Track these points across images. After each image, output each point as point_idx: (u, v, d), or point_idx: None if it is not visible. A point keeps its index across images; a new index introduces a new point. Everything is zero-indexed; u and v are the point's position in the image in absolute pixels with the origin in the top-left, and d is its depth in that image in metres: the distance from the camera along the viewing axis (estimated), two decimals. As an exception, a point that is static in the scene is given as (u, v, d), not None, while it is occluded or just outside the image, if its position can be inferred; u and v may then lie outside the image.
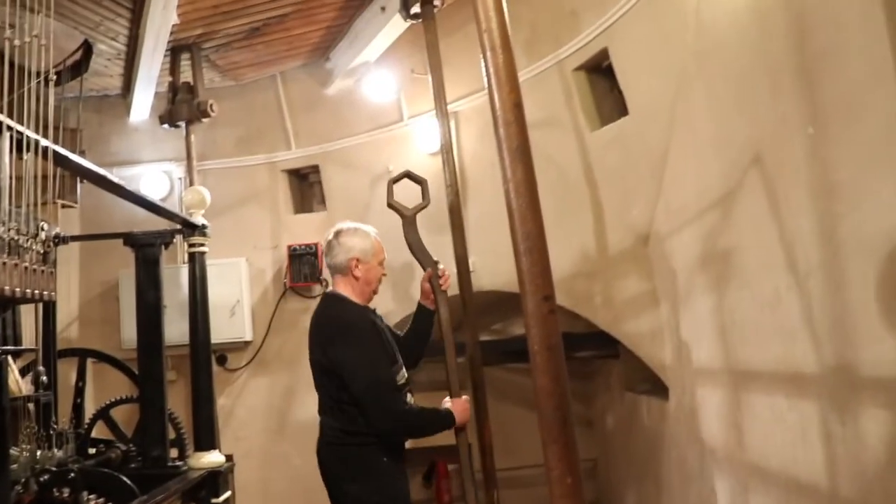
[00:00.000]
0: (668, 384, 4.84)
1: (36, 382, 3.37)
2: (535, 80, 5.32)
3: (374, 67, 6.40)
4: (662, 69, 4.32)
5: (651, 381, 5.29)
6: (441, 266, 3.82)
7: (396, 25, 5.63)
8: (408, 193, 4.01)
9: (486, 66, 1.96)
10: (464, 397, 3.70)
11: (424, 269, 3.84)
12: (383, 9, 5.61)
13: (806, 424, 3.07)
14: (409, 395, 3.73)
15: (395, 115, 6.63)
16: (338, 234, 3.81)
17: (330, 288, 3.86)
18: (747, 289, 3.56)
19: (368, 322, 3.64)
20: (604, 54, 4.89)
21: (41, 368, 3.38)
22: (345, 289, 3.76)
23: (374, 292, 3.82)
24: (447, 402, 3.72)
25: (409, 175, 3.99)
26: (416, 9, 4.84)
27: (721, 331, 3.89)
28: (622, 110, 4.88)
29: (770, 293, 3.28)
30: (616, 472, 6.49)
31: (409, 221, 3.86)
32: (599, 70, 5.15)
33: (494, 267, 5.71)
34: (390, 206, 3.91)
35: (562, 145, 5.26)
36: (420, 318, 3.92)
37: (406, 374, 3.77)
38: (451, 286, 3.99)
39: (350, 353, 3.50)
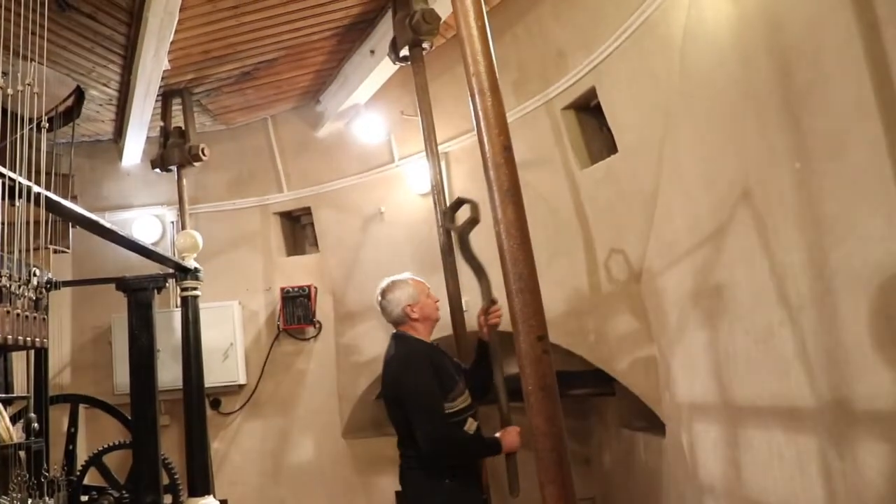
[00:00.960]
0: (664, 420, 4.81)
1: (27, 429, 3.33)
2: (524, 120, 5.36)
3: (365, 110, 6.44)
4: (650, 107, 4.36)
5: (647, 418, 5.25)
6: (496, 304, 3.95)
7: (386, 68, 5.68)
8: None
9: (475, 109, 1.98)
10: (516, 428, 3.87)
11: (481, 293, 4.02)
12: (372, 52, 5.66)
13: (804, 459, 3.06)
14: (469, 421, 3.88)
15: (385, 156, 6.66)
16: (383, 294, 4.11)
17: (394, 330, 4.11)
18: (740, 323, 3.56)
19: (422, 356, 3.87)
20: (592, 93, 4.93)
21: (32, 415, 3.35)
22: (408, 330, 4.04)
23: (437, 320, 4.11)
24: (499, 433, 3.89)
25: (463, 202, 4.15)
26: (404, 52, 4.91)
27: (715, 366, 3.88)
28: (611, 148, 4.91)
29: (763, 327, 3.28)
30: (614, 511, 6.41)
31: (461, 240, 4.10)
32: (588, 109, 5.19)
33: (487, 306, 5.69)
34: (447, 229, 4.28)
35: (552, 184, 5.27)
36: (479, 350, 4.11)
37: (467, 401, 3.92)
38: (445, 326, 4.13)
39: (407, 383, 3.80)
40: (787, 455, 3.19)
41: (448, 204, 4.80)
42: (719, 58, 3.52)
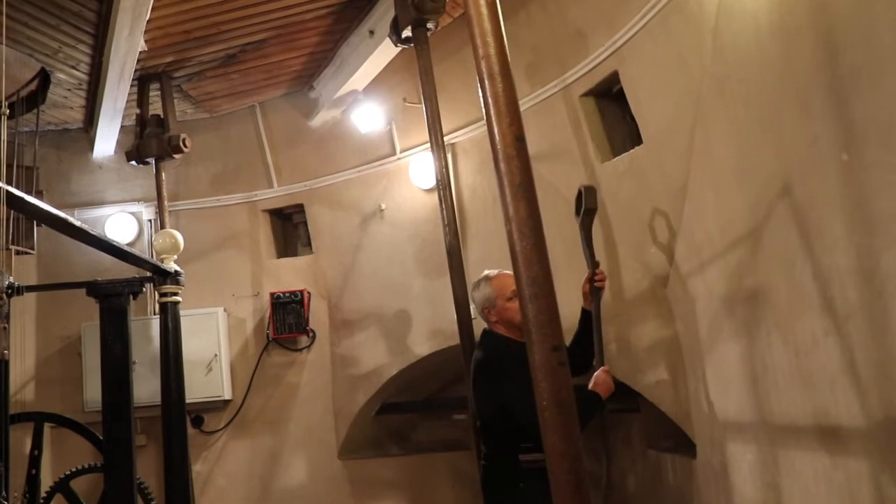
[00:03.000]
0: (694, 440, 4.79)
1: (-14, 452, 3.33)
2: (538, 108, 5.34)
3: (363, 96, 6.44)
4: (679, 93, 4.34)
5: (675, 437, 5.23)
6: (599, 268, 4.36)
7: (386, 51, 5.67)
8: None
9: (485, 95, 1.96)
10: (602, 369, 4.14)
11: (588, 267, 4.38)
12: (371, 32, 5.65)
13: (854, 485, 3.02)
14: None
15: (386, 148, 6.65)
16: (472, 291, 4.37)
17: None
18: (779, 333, 3.53)
19: (501, 358, 4.04)
20: (614, 78, 4.91)
21: (-7, 436, 3.35)
22: (496, 328, 4.21)
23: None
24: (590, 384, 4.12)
25: (585, 189, 4.41)
26: (407, 32, 4.90)
27: (751, 379, 3.86)
28: (635, 139, 4.89)
29: (805, 337, 3.25)
30: (639, 541, 6.40)
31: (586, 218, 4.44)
32: (610, 95, 5.17)
33: (498, 313, 5.68)
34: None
35: (570, 178, 5.25)
36: (583, 321, 4.39)
37: None
38: (451, 335, 4.06)
39: (481, 389, 4.12)
40: (835, 479, 3.16)
41: (452, 202, 4.81)
42: (756, 38, 3.49)
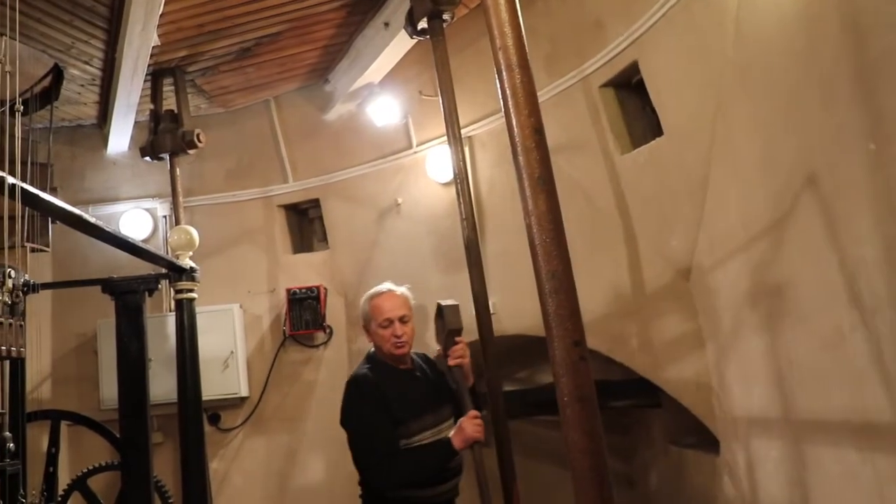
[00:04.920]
0: (718, 436, 4.77)
1: (1, 450, 3.35)
2: (557, 99, 5.32)
3: (379, 90, 6.43)
4: (700, 83, 4.31)
5: (698, 433, 5.21)
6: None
7: (402, 42, 5.66)
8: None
9: (502, 87, 1.95)
10: (472, 412, 3.94)
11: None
12: (387, 24, 5.64)
13: (883, 481, 3.01)
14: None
15: (402, 141, 6.65)
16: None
17: None
18: (805, 327, 3.51)
19: (366, 383, 4.05)
20: (634, 68, 4.89)
21: (8, 434, 3.36)
22: (376, 347, 4.20)
23: (398, 351, 4.11)
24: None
25: (446, 308, 4.15)
26: (423, 24, 4.88)
27: (776, 375, 3.84)
28: (656, 130, 4.87)
29: (831, 332, 3.23)
30: (662, 539, 6.38)
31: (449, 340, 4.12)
32: (629, 86, 5.15)
33: (517, 308, 5.68)
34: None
35: (589, 170, 5.24)
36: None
37: (442, 433, 4.05)
38: (470, 331, 4.20)
39: (343, 412, 4.13)
40: (864, 476, 3.14)
41: (469, 195, 4.80)
42: (780, 25, 3.47)
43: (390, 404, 3.95)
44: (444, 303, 4.12)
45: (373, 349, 4.22)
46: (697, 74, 4.33)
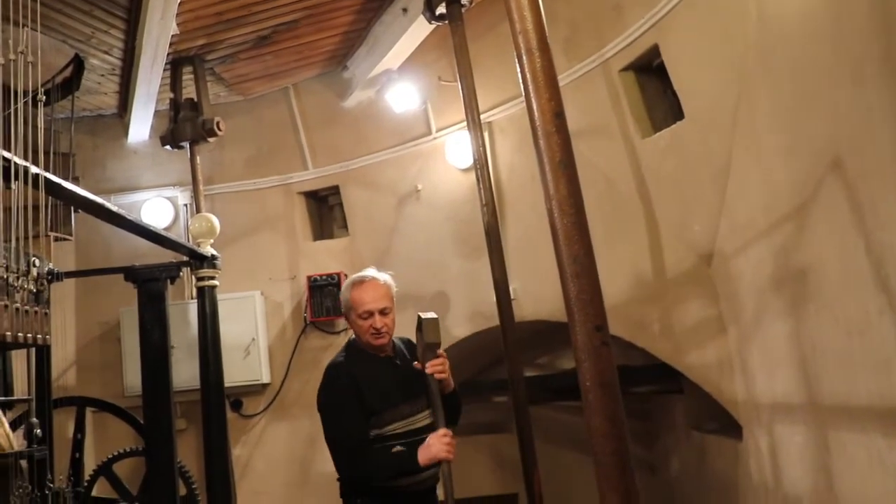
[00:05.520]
0: (740, 422, 4.75)
1: (29, 436, 3.38)
2: (577, 84, 5.30)
3: (397, 76, 6.42)
4: (722, 66, 4.28)
5: (720, 419, 5.19)
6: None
7: (420, 28, 5.64)
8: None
9: (522, 71, 1.94)
10: (441, 430, 3.84)
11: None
12: (405, 10, 5.63)
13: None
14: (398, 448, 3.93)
15: (421, 127, 6.64)
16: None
17: None
18: (829, 312, 3.48)
19: (341, 372, 4.00)
20: (654, 52, 4.85)
21: (35, 420, 3.39)
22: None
23: (376, 342, 4.03)
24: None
25: (425, 321, 3.97)
26: (441, 9, 4.86)
27: (800, 360, 3.81)
28: (677, 114, 4.84)
29: (857, 317, 3.20)
30: (684, 524, 6.38)
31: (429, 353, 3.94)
32: (650, 70, 5.11)
33: (538, 293, 5.67)
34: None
35: (609, 155, 5.22)
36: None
37: (414, 424, 3.99)
38: (491, 317, 4.04)
39: (318, 399, 4.07)
40: (890, 462, 3.11)
41: (489, 181, 4.78)
42: (804, 7, 3.43)
43: (364, 394, 3.91)
44: (423, 316, 3.98)
45: (352, 337, 4.17)
46: (719, 57, 4.29)
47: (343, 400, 3.92)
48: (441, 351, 3.96)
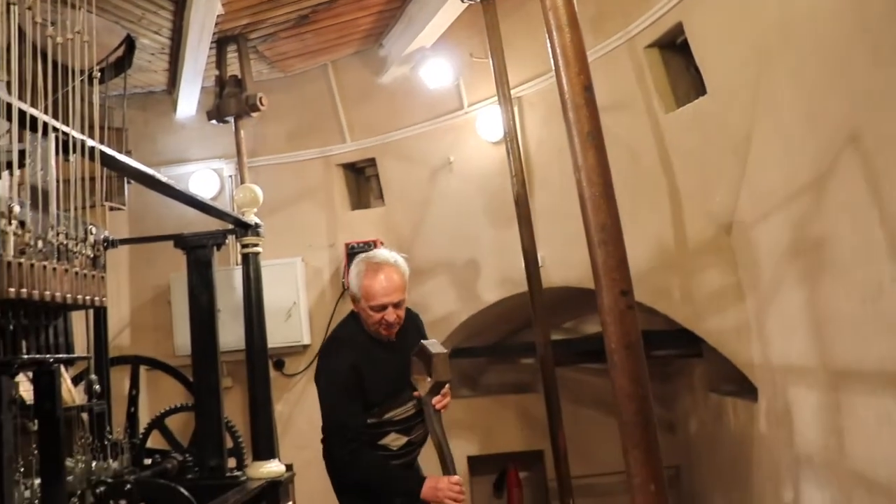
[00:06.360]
0: (756, 384, 4.73)
1: (89, 391, 3.44)
2: (603, 60, 5.25)
3: (431, 53, 6.40)
4: (744, 43, 4.22)
5: (737, 382, 5.18)
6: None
7: (453, 7, 5.60)
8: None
9: (553, 46, 1.93)
10: (455, 478, 3.63)
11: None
12: (439, -10, 5.60)
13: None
14: (394, 435, 3.86)
15: (454, 102, 6.62)
16: (352, 265, 4.02)
17: None
18: (843, 280, 3.46)
19: (342, 351, 3.85)
20: (678, 29, 4.80)
21: (94, 377, 3.46)
22: (360, 311, 3.96)
23: (385, 333, 3.86)
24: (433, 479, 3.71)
25: (421, 350, 3.70)
26: (473, -12, 4.84)
27: (815, 326, 3.79)
28: (700, 89, 4.78)
29: (871, 285, 3.18)
30: (700, 480, 6.38)
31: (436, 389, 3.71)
32: (674, 47, 5.05)
33: (565, 261, 5.67)
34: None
35: (634, 129, 5.18)
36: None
37: (408, 412, 3.86)
38: (519, 283, 3.98)
39: (316, 376, 3.96)
40: (898, 422, 3.11)
41: (519, 153, 4.75)
42: (824, -16, 3.37)
43: (366, 384, 3.76)
44: (432, 350, 3.61)
45: (355, 311, 4.01)
46: (741, 35, 4.23)
47: (343, 388, 3.77)
48: (446, 390, 3.72)
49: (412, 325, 4.08)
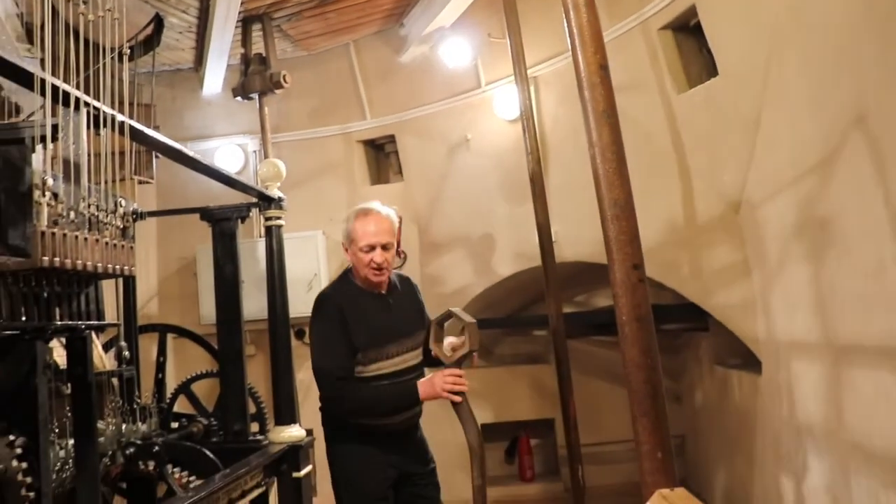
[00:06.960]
0: (760, 358, 4.73)
1: (119, 357, 3.49)
2: (618, 42, 5.20)
3: (450, 32, 6.36)
4: (755, 26, 4.17)
5: (742, 355, 5.18)
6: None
7: (472, -13, 5.57)
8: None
9: (570, 26, 1.92)
10: (450, 369, 3.48)
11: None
12: (459, -29, 5.56)
13: (915, 402, 2.97)
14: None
15: (472, 81, 6.59)
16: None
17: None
18: (847, 258, 3.44)
19: (330, 303, 3.76)
20: (692, 12, 4.75)
21: (123, 343, 3.50)
22: (353, 271, 3.89)
23: (375, 278, 3.76)
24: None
25: (452, 315, 3.57)
26: (492, -31, 4.79)
27: (819, 302, 3.78)
28: (711, 71, 4.74)
29: (873, 263, 3.16)
30: (705, 450, 6.39)
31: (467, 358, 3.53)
32: (687, 29, 5.01)
33: (577, 237, 5.66)
34: (432, 353, 3.61)
35: (647, 109, 5.14)
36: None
37: (402, 364, 3.77)
38: (533, 257, 3.98)
39: (309, 331, 3.81)
40: (895, 397, 3.10)
41: (535, 131, 4.72)
42: (835, -32, 3.32)
43: (351, 329, 3.65)
44: (466, 318, 3.44)
45: (350, 266, 3.91)
46: (753, 17, 4.19)
47: (330, 332, 3.68)
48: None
49: (407, 288, 4.01)
